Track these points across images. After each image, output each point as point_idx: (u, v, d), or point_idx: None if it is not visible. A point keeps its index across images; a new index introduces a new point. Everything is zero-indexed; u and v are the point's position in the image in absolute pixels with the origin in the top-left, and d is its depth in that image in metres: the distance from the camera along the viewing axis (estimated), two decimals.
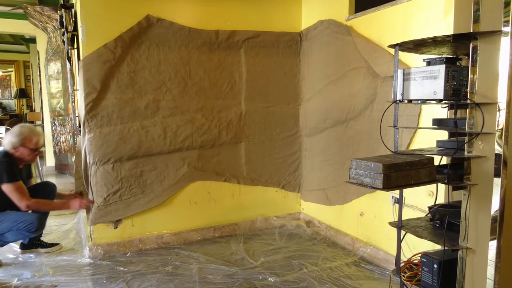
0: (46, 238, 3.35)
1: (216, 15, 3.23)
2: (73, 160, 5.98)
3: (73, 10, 3.06)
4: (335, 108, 3.18)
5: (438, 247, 1.74)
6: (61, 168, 6.65)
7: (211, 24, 3.20)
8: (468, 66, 1.56)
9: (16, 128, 2.88)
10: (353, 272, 2.68)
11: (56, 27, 5.39)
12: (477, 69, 1.53)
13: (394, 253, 2.34)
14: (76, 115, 3.07)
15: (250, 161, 3.48)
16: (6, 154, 2.85)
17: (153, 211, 3.15)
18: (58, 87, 6.14)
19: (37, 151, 2.95)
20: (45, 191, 3.07)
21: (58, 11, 3.55)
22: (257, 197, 3.55)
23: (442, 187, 2.03)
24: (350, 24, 2.98)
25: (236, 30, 3.28)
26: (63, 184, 5.74)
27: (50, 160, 6.88)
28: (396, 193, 2.62)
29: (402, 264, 1.91)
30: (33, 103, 9.38)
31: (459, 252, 1.62)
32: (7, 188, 2.74)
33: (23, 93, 9.72)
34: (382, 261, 2.76)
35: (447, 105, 1.88)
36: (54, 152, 6.77)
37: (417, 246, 2.37)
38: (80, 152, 3.04)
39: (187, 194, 3.28)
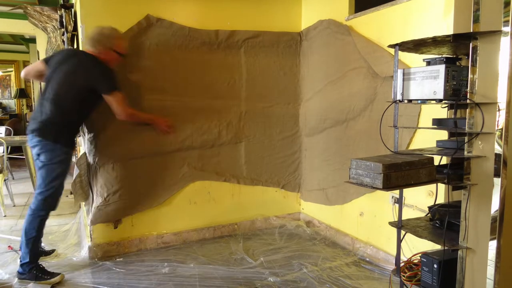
0: (46, 238, 3.35)
1: (216, 15, 3.23)
2: (73, 160, 5.99)
3: (73, 10, 3.06)
4: (335, 108, 3.18)
5: (438, 247, 1.74)
6: None
7: (211, 24, 3.20)
8: (468, 66, 1.56)
9: (99, 29, 2.56)
10: (353, 272, 2.68)
11: (56, 27, 5.39)
12: (477, 69, 1.53)
13: (394, 253, 2.34)
14: None
15: (250, 161, 3.48)
16: (97, 57, 2.54)
17: (153, 211, 3.15)
18: None
19: (122, 56, 2.67)
20: None
21: (58, 11, 3.56)
22: (257, 197, 3.55)
23: (442, 187, 2.03)
24: (350, 24, 2.98)
25: (236, 30, 3.28)
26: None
27: None
28: (396, 193, 2.62)
29: (402, 264, 1.91)
30: (33, 103, 9.38)
31: (459, 252, 1.62)
32: (115, 97, 2.52)
33: (23, 93, 9.72)
34: (382, 261, 2.76)
35: (447, 105, 1.88)
36: None
37: (417, 246, 2.37)
38: (83, 155, 3.03)
39: (187, 194, 3.28)
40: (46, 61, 2.61)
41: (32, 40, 7.15)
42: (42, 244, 2.95)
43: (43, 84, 2.68)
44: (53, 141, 2.49)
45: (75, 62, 2.54)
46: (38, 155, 2.51)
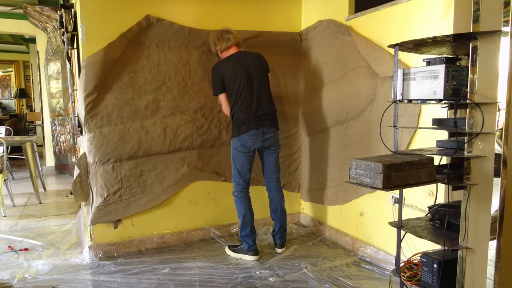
0: (46, 238, 3.36)
1: (216, 15, 3.23)
2: (73, 160, 6.00)
3: (72, 10, 3.05)
4: (335, 108, 3.18)
5: (438, 247, 1.74)
6: (61, 168, 6.66)
7: (211, 24, 3.20)
8: (468, 66, 1.56)
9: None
10: (353, 272, 2.68)
11: (56, 27, 5.39)
12: (477, 69, 1.53)
13: (394, 253, 2.34)
14: (76, 115, 3.07)
15: None
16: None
17: (153, 211, 3.15)
18: (58, 87, 6.15)
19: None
20: None
21: (58, 11, 3.55)
22: (257, 197, 3.54)
23: (442, 187, 2.03)
24: (350, 24, 2.98)
25: (236, 30, 3.28)
26: (63, 184, 5.75)
27: (50, 160, 6.89)
28: (396, 193, 2.62)
29: (402, 264, 1.91)
30: (33, 103, 9.38)
31: (459, 252, 1.62)
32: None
33: (23, 93, 9.72)
34: (382, 261, 2.76)
35: (447, 105, 1.88)
36: (54, 152, 6.77)
37: (417, 246, 2.37)
38: (83, 155, 3.03)
39: (187, 194, 3.28)
40: (224, 86, 2.88)
41: (32, 40, 7.16)
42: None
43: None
44: (278, 129, 2.99)
45: (253, 59, 2.94)
46: (272, 144, 2.94)
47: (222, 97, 2.91)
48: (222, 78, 2.85)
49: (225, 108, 2.94)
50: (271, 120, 2.90)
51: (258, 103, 2.85)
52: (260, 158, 3.03)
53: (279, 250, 3.04)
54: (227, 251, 3.03)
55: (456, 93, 1.64)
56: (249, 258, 2.91)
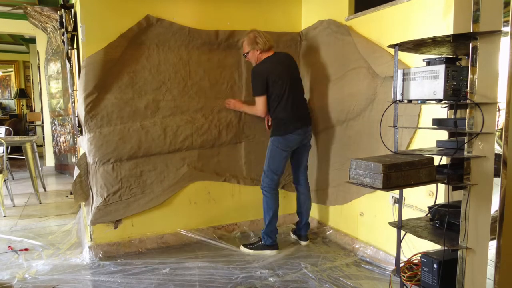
0: (46, 239, 3.36)
1: (215, 15, 3.23)
2: (73, 160, 6.00)
3: (72, 10, 3.05)
4: (335, 108, 3.18)
5: (438, 247, 1.74)
6: (61, 168, 6.66)
7: (211, 24, 3.20)
8: (468, 66, 1.56)
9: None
10: (353, 272, 2.68)
11: (56, 27, 5.40)
12: (477, 69, 1.53)
13: (394, 253, 2.34)
14: (76, 115, 3.07)
15: (249, 161, 3.48)
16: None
17: (153, 211, 3.15)
18: (58, 87, 6.15)
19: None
20: None
21: (58, 11, 3.55)
22: (257, 197, 3.54)
23: (442, 187, 2.03)
24: (350, 24, 2.98)
25: (236, 30, 3.28)
26: (63, 184, 5.75)
27: (50, 160, 6.89)
28: (396, 193, 2.62)
29: (402, 264, 1.91)
30: (33, 103, 9.38)
31: (459, 252, 1.62)
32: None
33: (23, 93, 9.72)
34: (382, 261, 2.76)
35: (447, 105, 1.88)
36: (54, 152, 6.78)
37: (417, 246, 2.37)
38: (83, 155, 3.03)
39: (187, 194, 3.28)
40: (267, 87, 2.95)
41: (32, 40, 7.16)
42: None
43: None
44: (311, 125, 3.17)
45: (290, 59, 3.08)
46: (308, 141, 3.13)
47: (262, 98, 2.97)
48: (267, 79, 2.92)
49: (262, 108, 3.00)
50: (308, 118, 3.09)
51: (298, 102, 3.02)
52: (293, 154, 3.11)
53: (304, 243, 3.14)
54: (244, 250, 3.04)
55: (456, 93, 1.64)
56: (272, 253, 2.99)
